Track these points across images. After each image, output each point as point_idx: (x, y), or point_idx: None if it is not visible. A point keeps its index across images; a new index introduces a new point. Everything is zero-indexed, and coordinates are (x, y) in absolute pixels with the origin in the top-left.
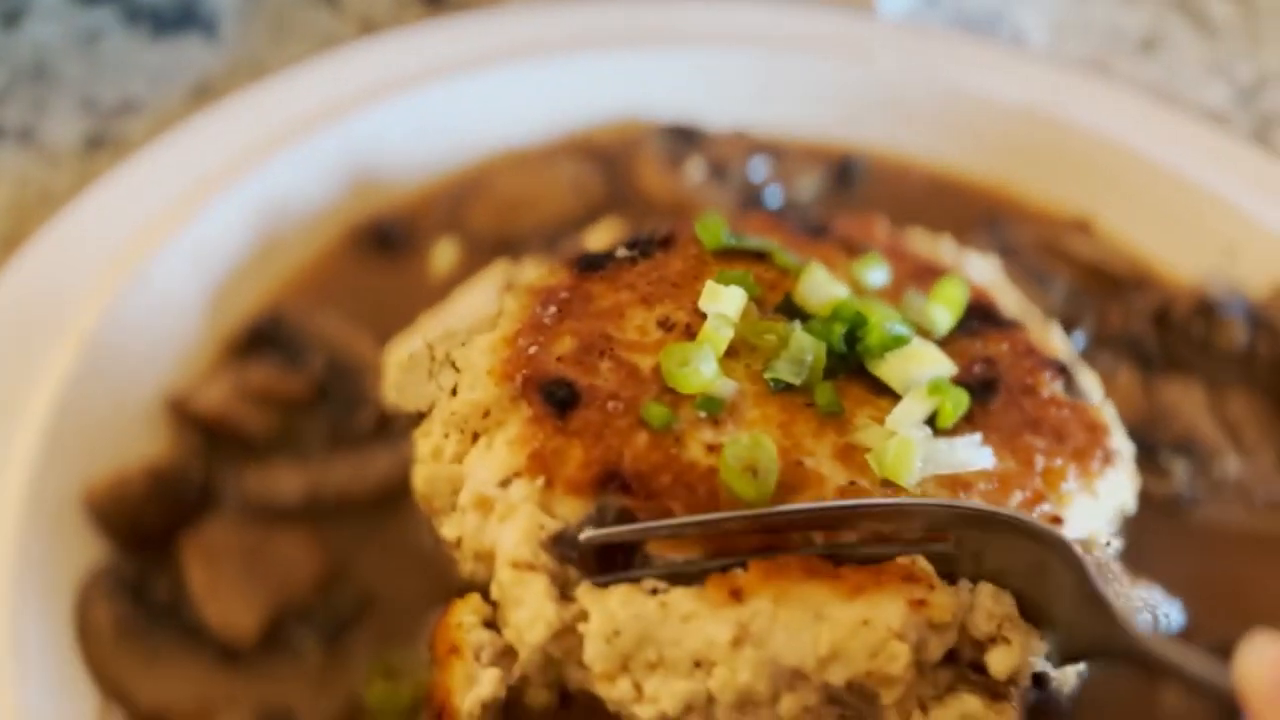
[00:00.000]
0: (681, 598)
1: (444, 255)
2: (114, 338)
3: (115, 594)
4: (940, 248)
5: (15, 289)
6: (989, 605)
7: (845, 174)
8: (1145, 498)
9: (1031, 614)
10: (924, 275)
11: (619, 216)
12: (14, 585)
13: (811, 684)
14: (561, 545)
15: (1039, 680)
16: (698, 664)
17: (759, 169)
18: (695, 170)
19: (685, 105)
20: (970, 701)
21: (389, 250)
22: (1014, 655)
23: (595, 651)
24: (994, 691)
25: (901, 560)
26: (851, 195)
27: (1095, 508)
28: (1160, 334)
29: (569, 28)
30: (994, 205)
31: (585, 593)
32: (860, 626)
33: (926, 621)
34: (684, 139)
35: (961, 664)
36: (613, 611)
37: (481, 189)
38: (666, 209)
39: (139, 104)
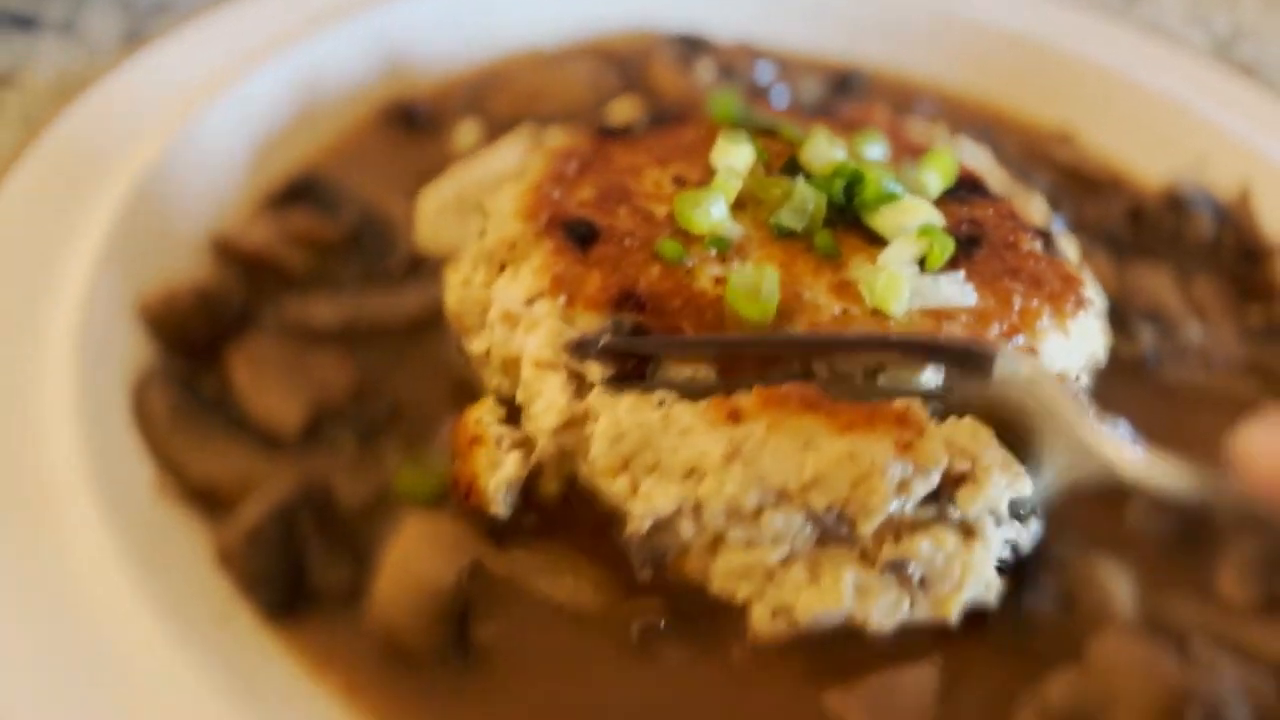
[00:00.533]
0: (683, 412)
1: (467, 134)
2: (164, 179)
3: (168, 385)
4: (935, 134)
5: (73, 130)
6: (964, 442)
7: (846, 84)
8: (1114, 358)
9: (1018, 450)
10: (919, 155)
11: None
12: (76, 375)
13: (794, 503)
14: (580, 349)
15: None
16: (690, 472)
17: (766, 72)
18: (705, 71)
19: (691, 20)
20: (944, 537)
21: (415, 128)
22: (979, 493)
23: (599, 450)
24: (969, 529)
25: (898, 403)
26: (851, 104)
27: (1067, 347)
28: (1133, 227)
29: None
30: (983, 118)
31: (598, 395)
32: (846, 459)
33: (912, 463)
34: (692, 47)
35: (942, 501)
36: (619, 417)
37: (502, 80)
38: (678, 105)
39: (173, 5)
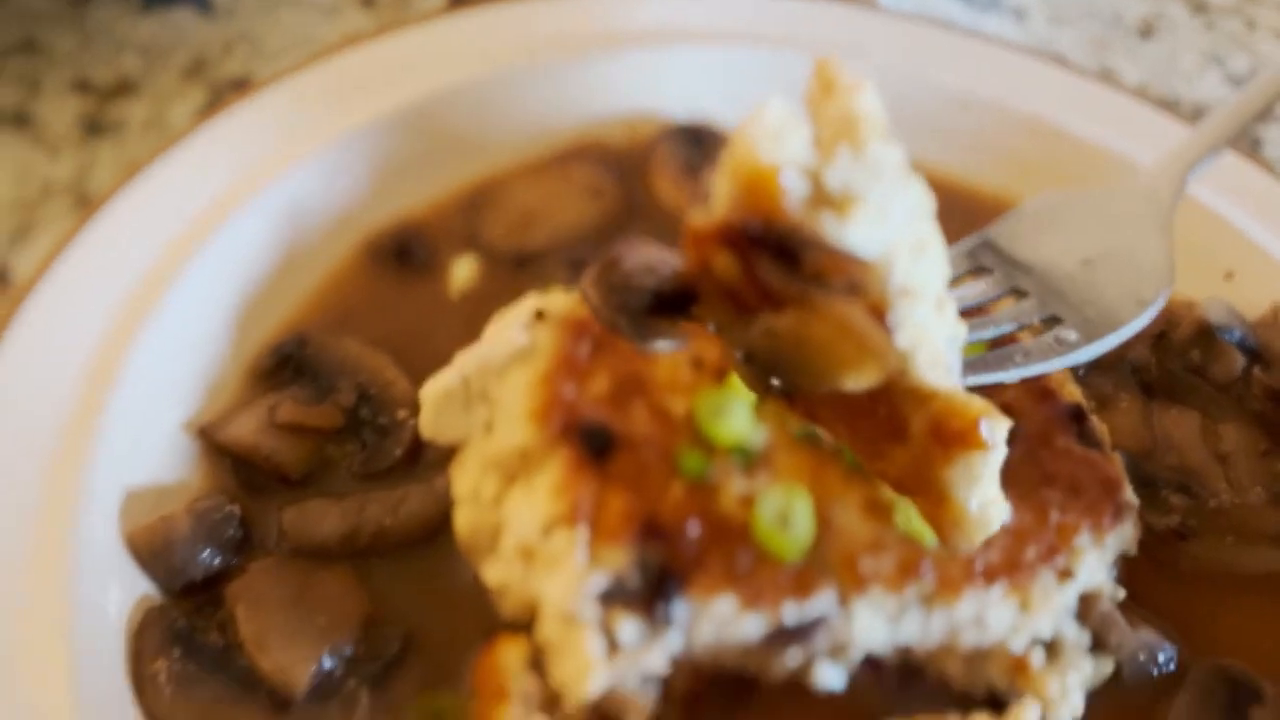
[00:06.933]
0: None
1: (462, 271)
2: (140, 369)
3: (168, 644)
4: None
5: (34, 324)
6: None
7: None
8: (1146, 529)
9: None
10: None
11: (636, 226)
12: (69, 626)
13: None
14: (607, 596)
15: None
16: None
17: None
18: (710, 180)
19: (692, 103)
20: None
21: (407, 266)
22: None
23: None
24: None
25: None
26: None
27: (1102, 558)
28: (1159, 358)
29: (570, 27)
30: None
31: None
32: None
33: None
34: (696, 141)
35: None
36: None
37: (495, 199)
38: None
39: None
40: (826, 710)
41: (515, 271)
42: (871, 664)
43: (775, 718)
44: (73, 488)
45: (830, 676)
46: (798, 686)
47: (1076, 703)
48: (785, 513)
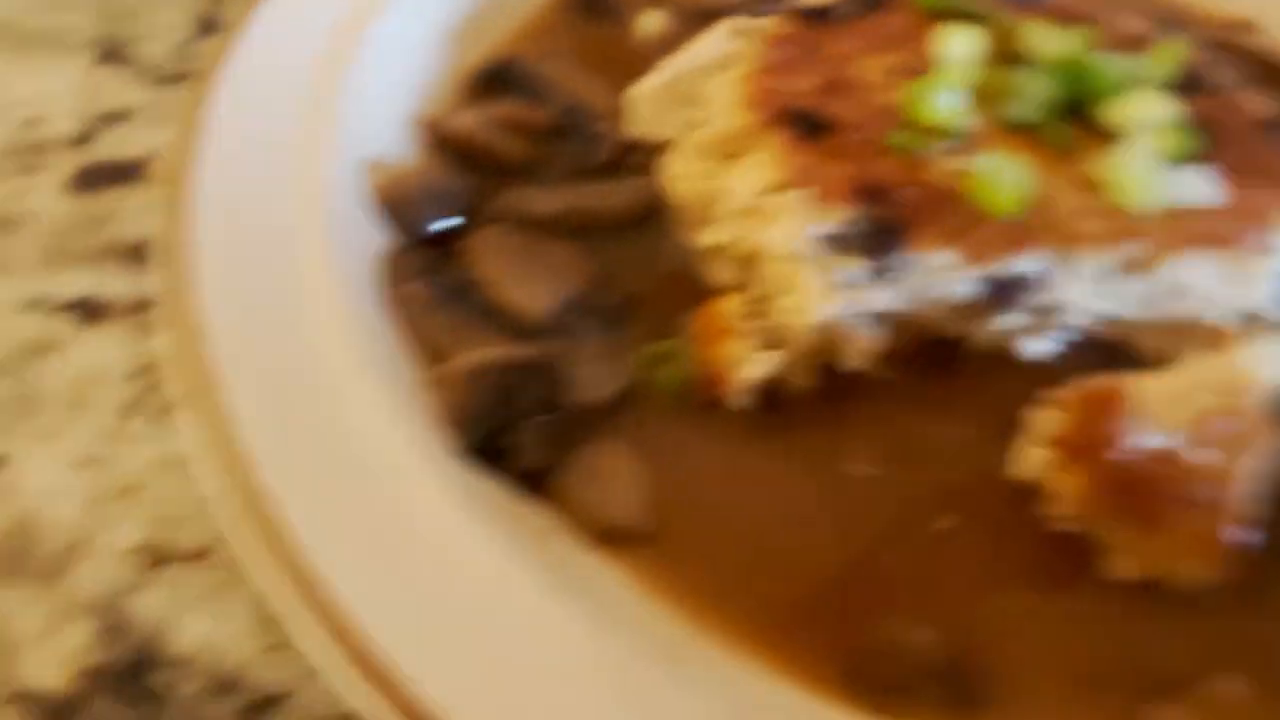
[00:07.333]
0: None
1: (651, 22)
2: (362, 79)
3: (416, 274)
4: (1141, 24)
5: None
6: None
7: None
8: None
9: None
10: (1134, 46)
11: None
12: (330, 266)
13: None
14: (834, 241)
15: None
16: None
17: None
18: None
19: None
20: None
21: (597, 16)
22: None
23: None
24: None
25: None
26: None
27: None
28: None
29: None
30: (1161, 11)
31: None
32: None
33: None
34: None
35: None
36: None
37: None
38: None
39: None
40: (1028, 377)
41: (702, 25)
42: (1074, 339)
43: (980, 380)
44: (322, 150)
45: (1035, 345)
46: (1002, 355)
47: (1277, 370)
48: (1000, 169)
